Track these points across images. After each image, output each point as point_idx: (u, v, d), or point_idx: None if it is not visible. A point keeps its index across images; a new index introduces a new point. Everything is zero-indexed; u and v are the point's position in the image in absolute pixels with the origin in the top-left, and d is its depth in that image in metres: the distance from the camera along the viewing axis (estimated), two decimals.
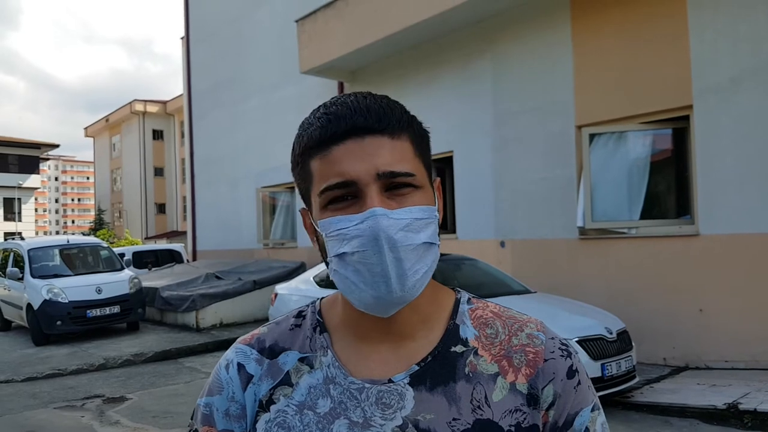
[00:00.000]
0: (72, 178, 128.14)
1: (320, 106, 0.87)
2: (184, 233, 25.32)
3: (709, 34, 7.11)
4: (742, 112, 6.88)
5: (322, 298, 0.99)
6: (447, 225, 10.36)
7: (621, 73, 7.90)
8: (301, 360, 0.91)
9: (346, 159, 0.81)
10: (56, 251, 12.21)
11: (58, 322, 10.59)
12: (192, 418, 0.96)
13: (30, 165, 46.61)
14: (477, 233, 9.66)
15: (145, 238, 39.90)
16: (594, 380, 5.41)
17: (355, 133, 0.82)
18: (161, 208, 43.96)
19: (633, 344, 6.11)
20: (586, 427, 0.88)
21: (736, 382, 6.24)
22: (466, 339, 0.89)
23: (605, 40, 8.10)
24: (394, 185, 0.82)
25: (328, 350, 0.90)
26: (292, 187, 13.48)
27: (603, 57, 8.12)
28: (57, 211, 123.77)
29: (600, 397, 1.02)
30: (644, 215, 7.91)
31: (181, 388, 7.67)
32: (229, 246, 16.13)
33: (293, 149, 0.88)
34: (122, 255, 15.89)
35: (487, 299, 0.98)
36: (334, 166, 0.82)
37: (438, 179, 0.92)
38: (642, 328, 7.15)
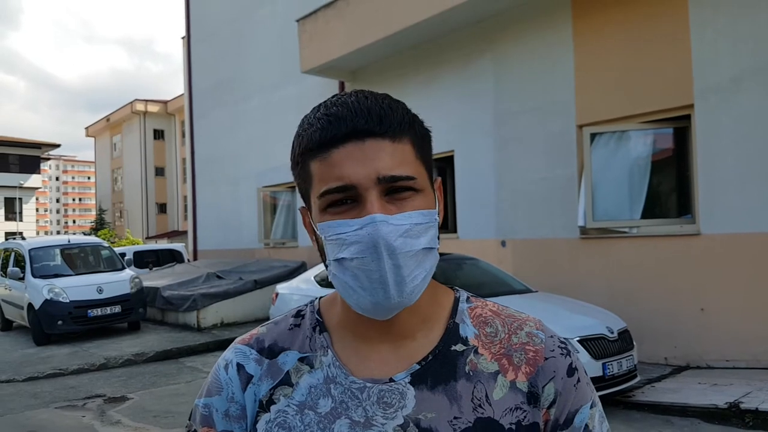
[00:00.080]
0: (73, 177, 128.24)
1: (320, 105, 0.86)
2: (185, 233, 25.35)
3: (710, 33, 7.10)
4: (742, 112, 6.87)
5: (321, 297, 0.99)
6: (448, 224, 10.36)
7: (622, 73, 7.89)
8: (301, 360, 0.91)
9: (346, 162, 0.81)
10: (57, 251, 12.22)
11: (59, 322, 10.60)
12: (190, 419, 0.96)
13: (31, 165, 46.65)
14: (478, 233, 9.66)
15: (146, 238, 39.95)
16: (595, 380, 5.41)
17: (355, 136, 0.81)
18: (162, 208, 44.00)
19: (634, 343, 6.12)
20: (586, 424, 0.88)
21: (737, 382, 6.23)
22: (466, 338, 0.90)
23: (606, 40, 8.10)
24: (394, 189, 0.82)
25: (329, 350, 0.90)
26: (293, 187, 13.48)
27: (604, 56, 8.11)
28: (58, 211, 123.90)
29: (601, 396, 1.02)
30: (645, 215, 7.91)
31: (182, 387, 7.67)
32: (230, 245, 16.14)
33: (293, 148, 0.87)
34: (123, 255, 15.89)
35: (486, 298, 0.98)
36: (333, 170, 0.81)
37: (439, 179, 0.92)
38: (643, 327, 7.15)
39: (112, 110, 48.61)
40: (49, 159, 71.11)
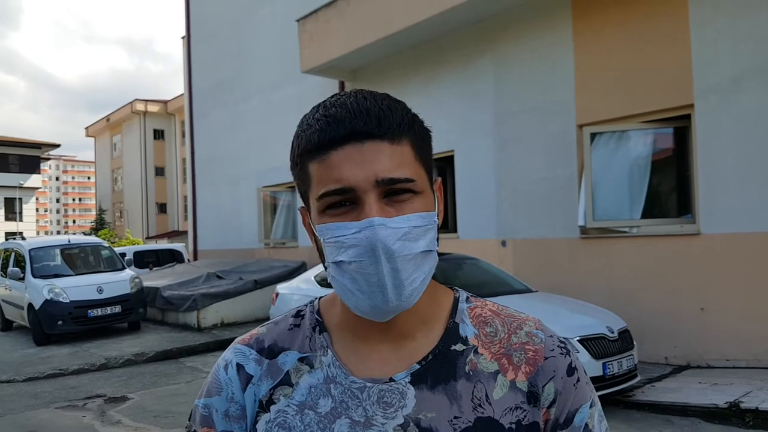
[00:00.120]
0: (73, 177, 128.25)
1: (320, 105, 0.86)
2: (185, 233, 25.35)
3: (710, 33, 7.10)
4: (742, 112, 6.88)
5: (321, 297, 0.98)
6: (448, 224, 10.36)
7: (622, 73, 7.90)
8: (301, 360, 0.91)
9: (344, 165, 0.80)
10: (57, 251, 12.22)
11: (60, 322, 10.60)
12: (190, 419, 0.96)
13: (31, 165, 46.67)
14: (478, 233, 9.66)
15: (146, 238, 39.96)
16: (595, 379, 5.42)
17: (354, 138, 0.80)
18: (162, 208, 44.01)
19: (634, 343, 6.12)
20: (586, 423, 0.88)
21: (737, 381, 6.23)
22: (466, 337, 0.90)
23: (606, 40, 8.10)
24: (393, 191, 0.81)
25: (328, 350, 0.90)
26: (293, 187, 13.46)
27: (604, 56, 8.11)
28: (58, 211, 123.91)
29: (601, 396, 1.02)
30: (645, 214, 7.91)
31: (183, 387, 7.67)
32: (230, 245, 16.14)
33: (292, 149, 0.87)
34: (123, 255, 15.89)
35: (486, 298, 0.98)
36: (332, 172, 0.81)
37: (439, 179, 0.91)
38: (643, 327, 7.15)
39: (112, 110, 48.63)
40: (49, 159, 71.14)
